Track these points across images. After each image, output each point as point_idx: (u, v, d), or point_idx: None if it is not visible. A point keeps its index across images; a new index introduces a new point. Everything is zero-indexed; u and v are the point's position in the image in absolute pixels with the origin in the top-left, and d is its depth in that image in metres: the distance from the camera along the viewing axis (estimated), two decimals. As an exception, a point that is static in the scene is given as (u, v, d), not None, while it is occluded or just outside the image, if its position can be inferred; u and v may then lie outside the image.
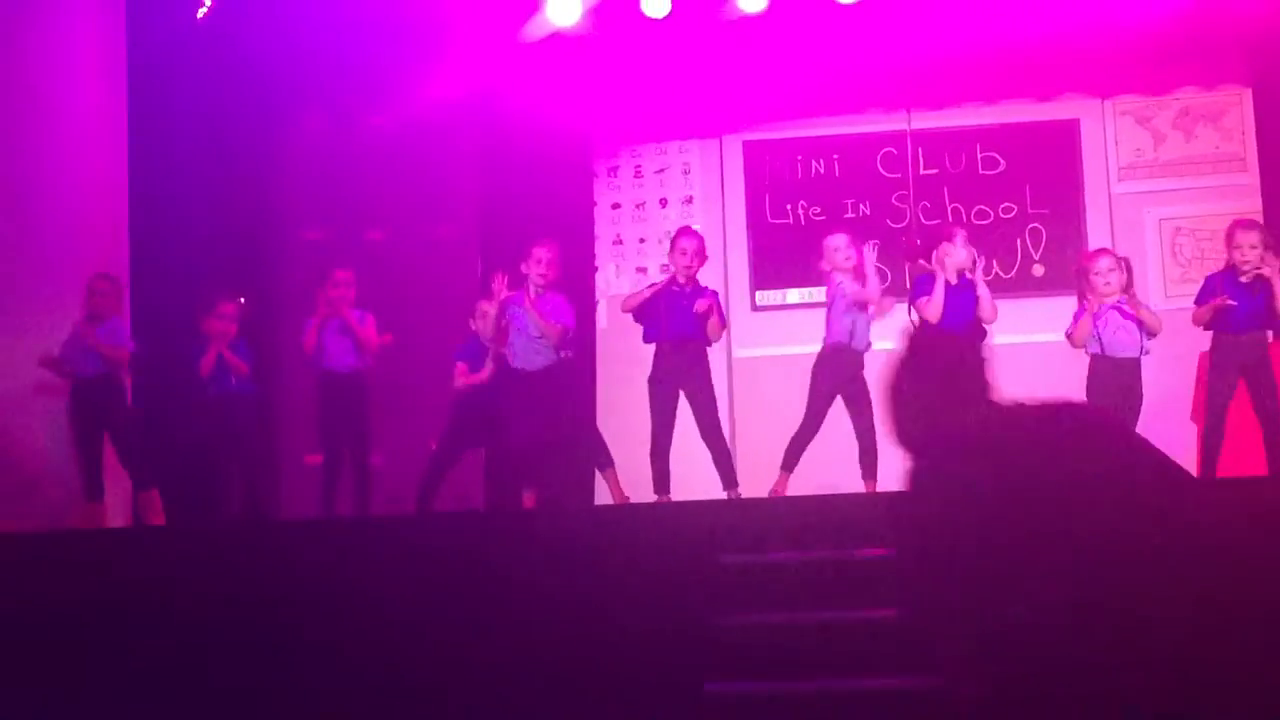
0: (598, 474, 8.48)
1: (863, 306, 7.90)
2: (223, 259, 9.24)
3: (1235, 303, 7.33)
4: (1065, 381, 7.65)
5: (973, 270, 7.80)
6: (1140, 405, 7.50)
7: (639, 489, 8.13)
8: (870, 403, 7.67)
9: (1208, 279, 7.63)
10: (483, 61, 9.57)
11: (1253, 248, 7.36)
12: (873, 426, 7.68)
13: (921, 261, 8.06)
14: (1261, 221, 8.64)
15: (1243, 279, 7.39)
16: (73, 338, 8.08)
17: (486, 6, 9.56)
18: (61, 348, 8.09)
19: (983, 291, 7.73)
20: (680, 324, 8.02)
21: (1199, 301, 7.56)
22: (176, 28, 9.24)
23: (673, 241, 8.32)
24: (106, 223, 8.80)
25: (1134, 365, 7.54)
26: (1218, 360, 7.49)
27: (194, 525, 7.80)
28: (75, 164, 8.64)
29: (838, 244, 8.11)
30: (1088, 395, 7.55)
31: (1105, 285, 7.56)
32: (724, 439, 8.09)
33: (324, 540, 6.73)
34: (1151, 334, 7.52)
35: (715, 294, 8.23)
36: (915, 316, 7.83)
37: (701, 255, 8.18)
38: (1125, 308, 7.53)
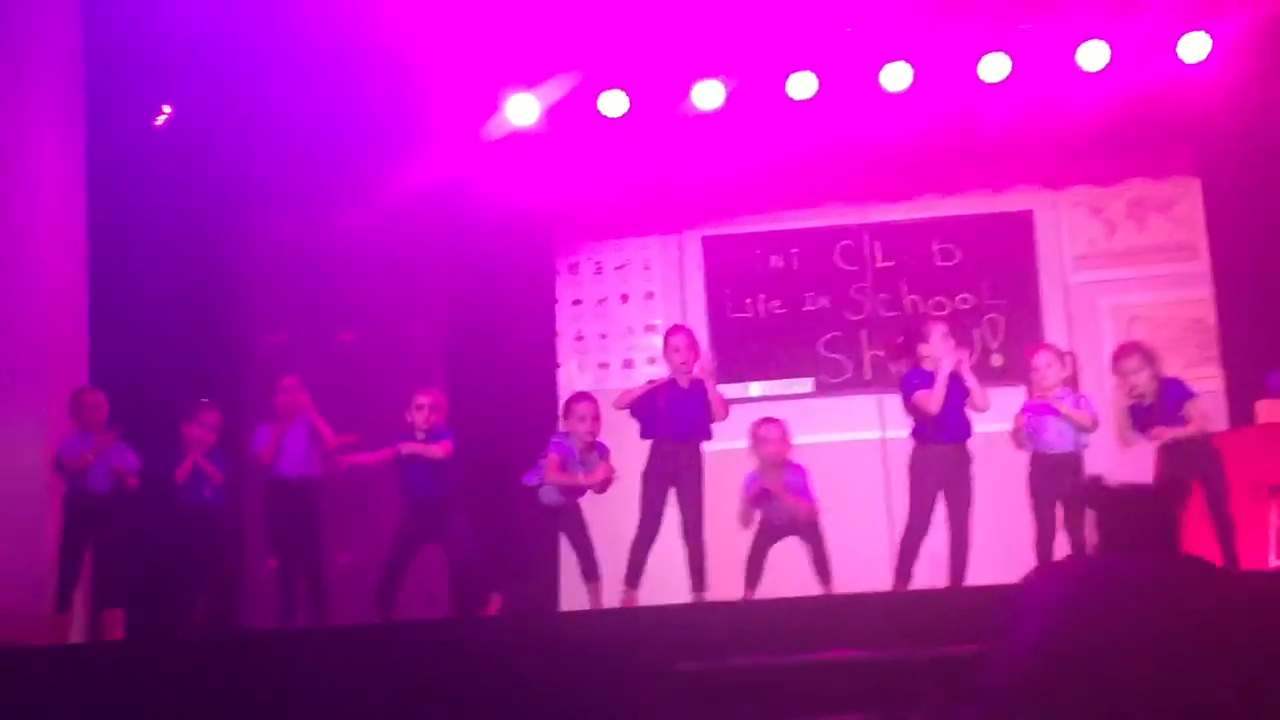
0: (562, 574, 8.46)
1: None
2: (188, 366, 9.24)
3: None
4: (1019, 472, 7.76)
5: (958, 361, 7.82)
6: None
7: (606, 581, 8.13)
8: (822, 541, 7.84)
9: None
10: (445, 161, 9.70)
11: (1136, 371, 7.49)
12: (823, 543, 7.82)
13: (903, 360, 8.08)
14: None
15: (1142, 400, 7.51)
16: (88, 449, 8.00)
17: (448, 108, 9.67)
18: (73, 456, 8.02)
19: (971, 382, 7.76)
20: (680, 422, 8.03)
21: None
22: (137, 135, 9.30)
23: (665, 340, 8.33)
24: (68, 332, 8.82)
25: (1072, 461, 7.60)
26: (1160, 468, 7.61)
27: (157, 639, 7.73)
28: (35, 274, 8.67)
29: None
30: (1030, 493, 7.62)
31: (1042, 380, 7.66)
32: (703, 541, 8.07)
33: (285, 652, 6.71)
34: (1082, 430, 7.59)
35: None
36: (912, 413, 7.88)
37: (695, 349, 8.21)
38: (1054, 404, 7.61)
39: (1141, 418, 7.51)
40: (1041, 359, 7.78)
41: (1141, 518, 3.18)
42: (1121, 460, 8.20)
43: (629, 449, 8.16)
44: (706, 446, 8.21)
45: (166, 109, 9.32)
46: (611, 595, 8.02)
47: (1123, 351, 7.69)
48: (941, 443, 7.69)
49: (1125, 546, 3.20)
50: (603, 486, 8.10)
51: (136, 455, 8.11)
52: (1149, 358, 7.55)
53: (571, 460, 8.03)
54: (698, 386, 8.03)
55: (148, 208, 9.19)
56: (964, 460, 7.69)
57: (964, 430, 7.74)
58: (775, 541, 7.99)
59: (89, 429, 8.03)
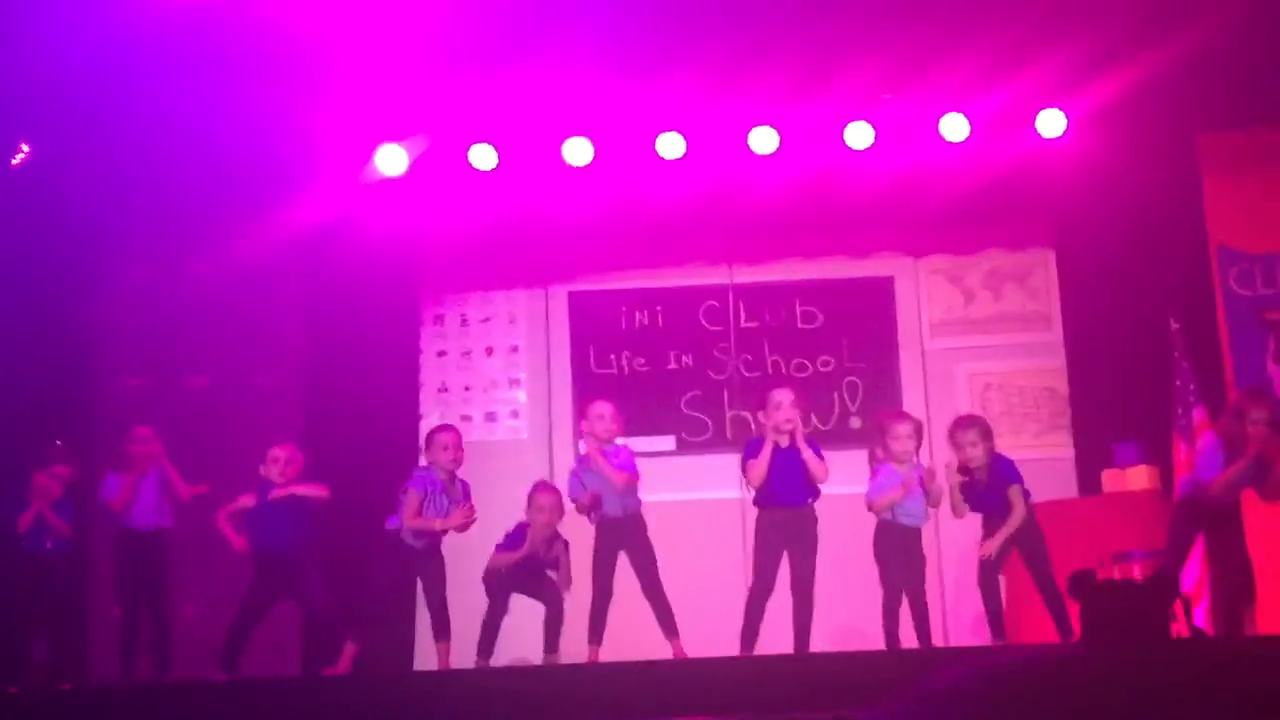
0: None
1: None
2: (39, 408, 9.07)
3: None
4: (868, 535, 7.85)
5: (795, 430, 7.83)
6: (924, 571, 7.70)
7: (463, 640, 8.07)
8: (653, 561, 7.83)
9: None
10: (311, 209, 9.62)
11: (973, 445, 7.64)
12: (657, 584, 7.82)
13: (760, 415, 8.14)
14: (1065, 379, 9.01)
15: (974, 474, 7.68)
16: None
17: (314, 157, 9.63)
18: None
19: (807, 454, 7.75)
20: (525, 578, 8.03)
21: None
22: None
23: (530, 497, 8.15)
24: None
25: (917, 534, 7.73)
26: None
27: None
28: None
29: (602, 411, 8.17)
30: (875, 557, 7.69)
31: (903, 450, 7.74)
32: (561, 606, 8.04)
33: (127, 707, 6.59)
34: (934, 505, 7.73)
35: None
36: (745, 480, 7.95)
37: (558, 510, 8.13)
38: (927, 475, 7.71)
39: (970, 491, 7.67)
40: (905, 428, 7.82)
41: (1128, 611, 3.13)
42: (969, 525, 8.42)
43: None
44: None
45: (24, 147, 9.15)
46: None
47: (960, 424, 7.84)
48: (780, 507, 7.77)
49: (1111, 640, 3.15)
50: (463, 527, 8.06)
51: None
52: (985, 433, 7.71)
53: (434, 492, 8.00)
54: (550, 545, 8.00)
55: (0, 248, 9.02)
56: (807, 524, 7.75)
57: (800, 495, 7.79)
58: (612, 560, 7.95)
59: None
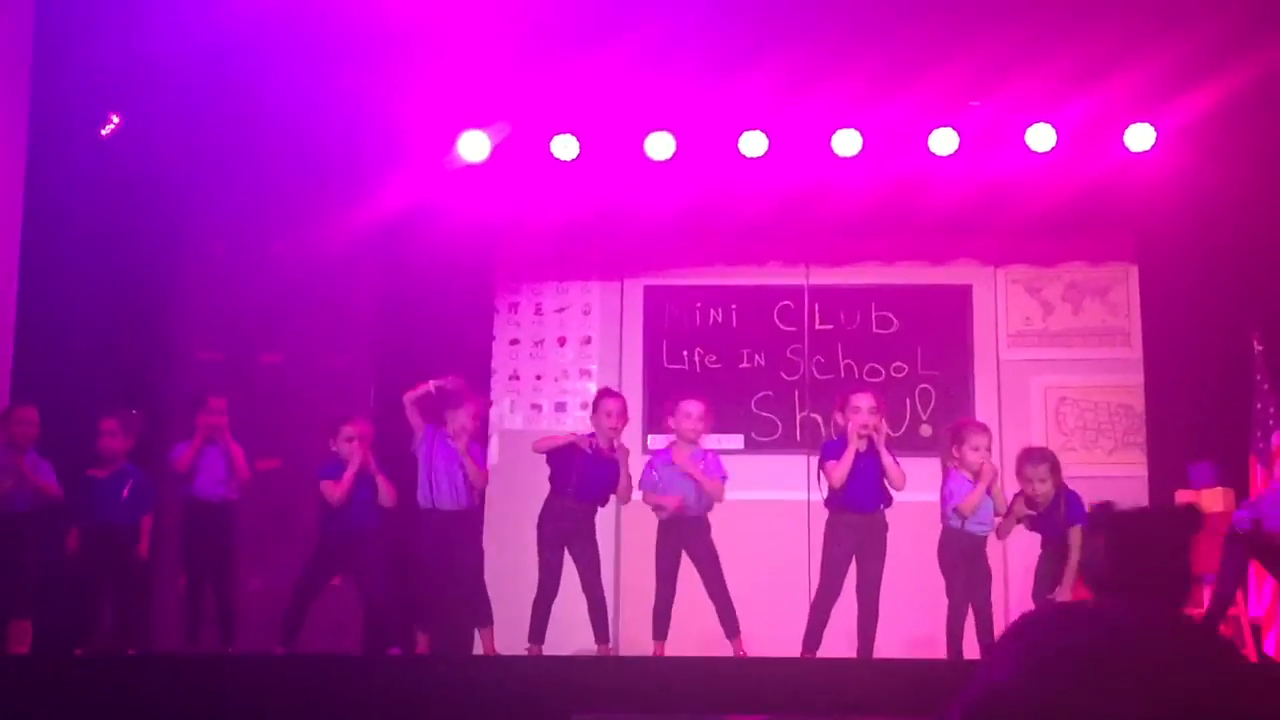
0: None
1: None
2: (113, 379, 9.16)
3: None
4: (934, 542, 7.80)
5: (875, 434, 7.80)
6: (990, 581, 7.64)
7: (517, 625, 8.07)
8: (718, 562, 7.80)
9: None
10: (391, 193, 9.67)
11: (1042, 481, 7.56)
12: (721, 582, 7.78)
13: (838, 416, 8.11)
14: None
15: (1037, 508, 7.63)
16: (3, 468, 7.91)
17: (398, 140, 9.68)
18: None
19: (886, 460, 7.75)
20: (591, 486, 8.03)
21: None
22: (80, 143, 9.23)
23: (595, 402, 8.31)
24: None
25: (983, 543, 7.68)
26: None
27: (57, 657, 7.62)
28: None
29: (691, 410, 8.14)
30: (940, 566, 7.64)
31: (978, 461, 7.65)
32: (603, 591, 8.05)
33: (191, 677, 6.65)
34: (998, 514, 7.68)
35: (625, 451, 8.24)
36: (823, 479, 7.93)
37: (624, 416, 8.18)
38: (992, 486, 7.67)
39: (1034, 522, 7.64)
40: (984, 439, 7.73)
41: (1153, 539, 3.14)
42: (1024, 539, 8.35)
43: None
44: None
45: (114, 118, 9.26)
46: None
47: (1030, 458, 7.73)
48: (853, 512, 7.72)
49: (1135, 567, 3.14)
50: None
51: (51, 468, 8.03)
52: (1055, 468, 7.63)
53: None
54: (613, 451, 8.03)
55: (84, 220, 9.10)
56: (878, 529, 7.71)
57: (874, 501, 7.75)
58: (676, 558, 7.93)
59: (12, 446, 7.91)
